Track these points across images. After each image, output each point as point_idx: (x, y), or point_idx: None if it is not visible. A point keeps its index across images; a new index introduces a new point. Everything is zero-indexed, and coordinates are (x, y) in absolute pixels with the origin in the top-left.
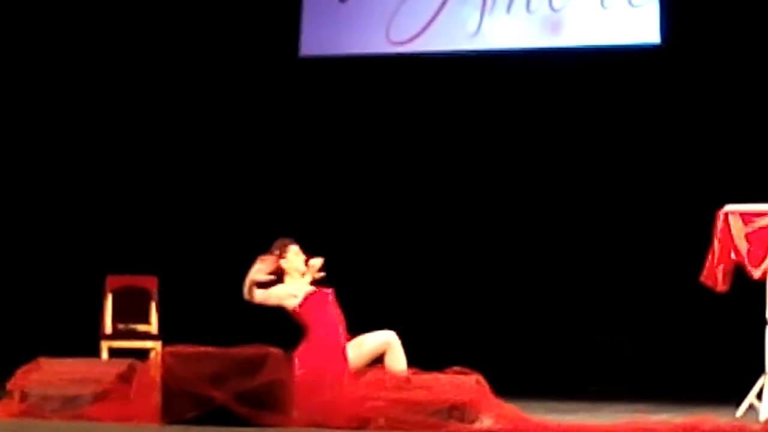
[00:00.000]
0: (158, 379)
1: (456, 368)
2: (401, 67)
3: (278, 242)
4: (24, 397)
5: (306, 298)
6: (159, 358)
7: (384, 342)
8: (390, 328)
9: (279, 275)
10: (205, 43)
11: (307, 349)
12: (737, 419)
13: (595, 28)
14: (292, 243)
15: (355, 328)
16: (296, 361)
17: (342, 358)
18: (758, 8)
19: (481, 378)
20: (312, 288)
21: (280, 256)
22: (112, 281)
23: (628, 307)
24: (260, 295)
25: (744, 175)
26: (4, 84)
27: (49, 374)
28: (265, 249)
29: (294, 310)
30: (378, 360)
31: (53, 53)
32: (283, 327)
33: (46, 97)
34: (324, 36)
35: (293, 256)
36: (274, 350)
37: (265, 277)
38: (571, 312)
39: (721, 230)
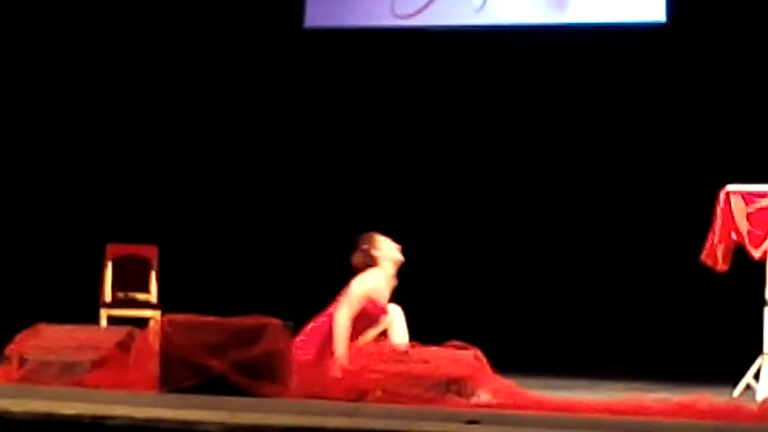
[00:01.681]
0: (157, 347)
1: (455, 342)
2: (405, 40)
3: (363, 237)
4: (22, 362)
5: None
6: (158, 326)
7: (388, 316)
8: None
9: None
10: (209, 15)
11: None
12: (734, 399)
13: (602, 5)
14: (377, 234)
15: None
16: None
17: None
18: None
19: (479, 353)
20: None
21: (372, 248)
22: (112, 249)
23: (627, 285)
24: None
25: (747, 155)
26: None
27: (48, 340)
28: (263, 221)
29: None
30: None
31: (50, 29)
32: (282, 297)
33: (41, 70)
34: (329, 8)
35: (386, 245)
36: (273, 321)
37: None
38: (570, 290)
39: (722, 210)
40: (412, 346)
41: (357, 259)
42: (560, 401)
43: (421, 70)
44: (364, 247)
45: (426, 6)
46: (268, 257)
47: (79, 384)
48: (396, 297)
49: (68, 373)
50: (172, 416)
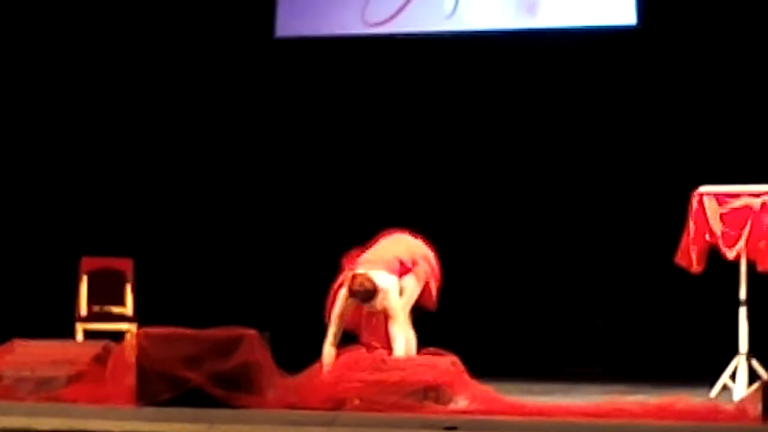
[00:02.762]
0: (133, 360)
1: (431, 349)
2: (377, 48)
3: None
4: None
5: None
6: (134, 340)
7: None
8: None
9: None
10: (179, 24)
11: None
12: (711, 399)
13: (572, 9)
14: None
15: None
16: None
17: None
18: None
19: (456, 359)
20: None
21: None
22: (87, 263)
23: (603, 288)
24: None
25: (719, 156)
26: None
27: (24, 356)
28: (238, 232)
29: None
30: None
31: (27, 38)
32: (258, 308)
33: (18, 80)
34: (299, 17)
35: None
36: (249, 332)
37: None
38: (546, 293)
39: (696, 211)
40: (389, 354)
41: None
42: (538, 406)
43: (394, 77)
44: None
45: (397, 13)
46: (243, 268)
47: (56, 399)
48: None
49: (44, 389)
50: (149, 429)
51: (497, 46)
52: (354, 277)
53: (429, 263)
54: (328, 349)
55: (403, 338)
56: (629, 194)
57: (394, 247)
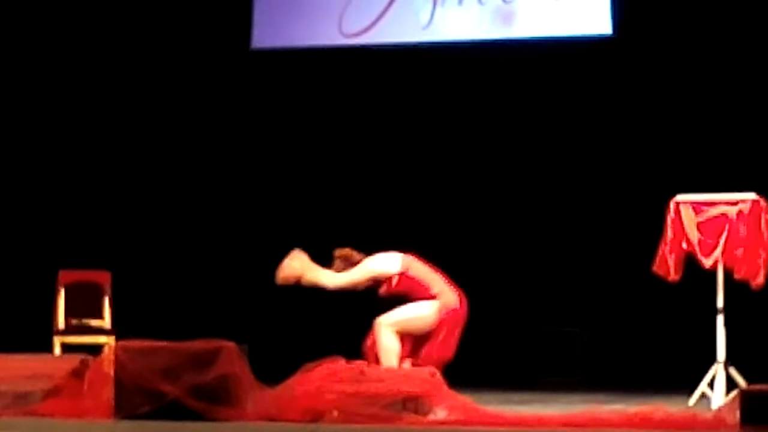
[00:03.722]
0: (111, 374)
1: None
2: (354, 59)
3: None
4: None
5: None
6: (112, 353)
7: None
8: (341, 321)
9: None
10: (156, 35)
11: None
12: (690, 408)
13: (547, 18)
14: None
15: (327, 319)
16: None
17: None
18: None
19: (435, 370)
20: None
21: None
22: (65, 276)
23: (581, 297)
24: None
25: (695, 165)
26: None
27: (1, 370)
28: (215, 245)
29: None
30: None
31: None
32: (236, 321)
33: None
34: (276, 28)
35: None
36: (227, 344)
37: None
38: (525, 303)
39: (673, 220)
40: (368, 365)
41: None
42: (517, 416)
43: (371, 87)
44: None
45: (373, 24)
46: (221, 281)
47: (33, 413)
48: (346, 315)
49: (21, 403)
50: None
51: (473, 57)
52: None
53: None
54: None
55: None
56: (606, 203)
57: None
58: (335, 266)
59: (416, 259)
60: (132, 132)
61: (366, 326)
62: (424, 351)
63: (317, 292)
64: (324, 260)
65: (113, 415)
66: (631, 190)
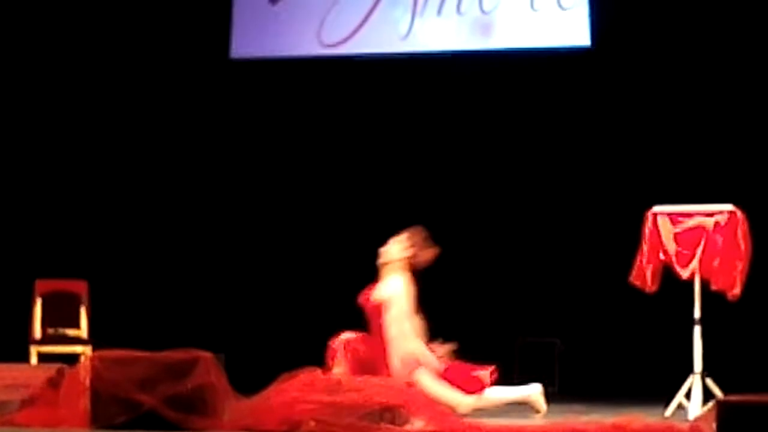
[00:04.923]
0: (87, 383)
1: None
2: (333, 69)
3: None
4: None
5: None
6: (88, 362)
7: None
8: (318, 331)
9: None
10: (134, 44)
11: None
12: (666, 418)
13: (525, 30)
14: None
15: (304, 330)
16: None
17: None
18: (684, 10)
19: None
20: None
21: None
22: (41, 285)
23: (559, 308)
24: None
25: (672, 176)
26: None
27: None
28: (193, 254)
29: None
30: None
31: None
32: (213, 330)
33: None
34: (255, 38)
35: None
36: (204, 354)
37: None
38: (502, 313)
39: (650, 231)
40: (345, 375)
41: None
42: (494, 426)
43: (349, 97)
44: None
45: (352, 34)
46: (198, 291)
47: (9, 423)
48: (328, 327)
49: None
50: None
51: (452, 68)
52: None
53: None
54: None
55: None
56: (584, 213)
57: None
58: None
59: None
60: (110, 141)
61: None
62: None
63: (291, 301)
64: (296, 269)
65: (89, 425)
66: (608, 201)
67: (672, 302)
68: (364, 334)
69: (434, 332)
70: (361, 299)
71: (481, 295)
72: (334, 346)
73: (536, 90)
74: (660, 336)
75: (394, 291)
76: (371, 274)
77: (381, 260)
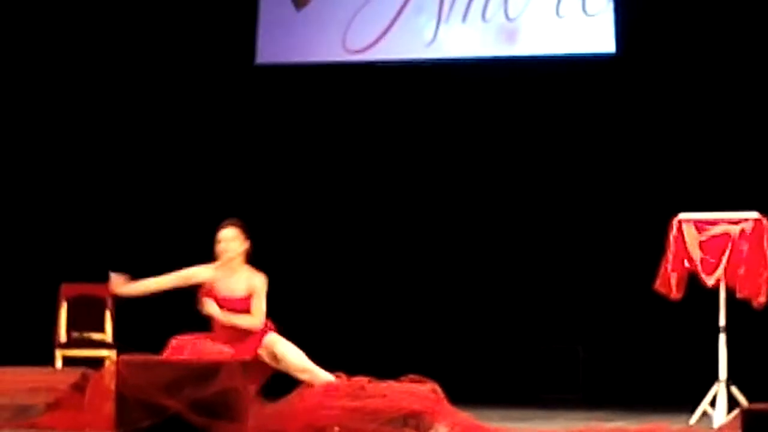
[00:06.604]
0: (112, 388)
1: (412, 376)
2: (357, 75)
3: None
4: None
5: None
6: (113, 366)
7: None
8: (346, 336)
9: None
10: (161, 50)
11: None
12: (691, 426)
13: (551, 37)
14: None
15: (314, 334)
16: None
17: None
18: (711, 17)
19: (436, 386)
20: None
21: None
22: (67, 289)
23: (583, 315)
24: None
25: (698, 183)
26: None
27: (2, 383)
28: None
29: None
30: None
31: None
32: None
33: None
34: (280, 44)
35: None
36: (229, 359)
37: None
38: (526, 320)
39: (675, 238)
40: (368, 381)
41: None
42: None
43: (374, 104)
44: None
45: (377, 41)
46: None
47: (34, 427)
48: (350, 331)
49: (22, 416)
50: None
51: (477, 74)
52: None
53: None
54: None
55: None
56: (609, 221)
57: None
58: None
59: None
60: (137, 146)
61: (368, 342)
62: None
63: (322, 309)
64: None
65: (114, 429)
66: (633, 208)
67: (697, 310)
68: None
69: (460, 341)
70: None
71: (505, 302)
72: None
73: (562, 97)
74: (685, 344)
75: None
76: (395, 283)
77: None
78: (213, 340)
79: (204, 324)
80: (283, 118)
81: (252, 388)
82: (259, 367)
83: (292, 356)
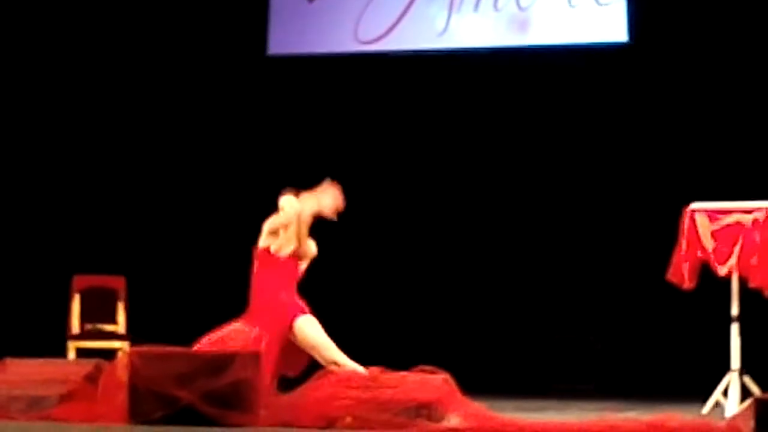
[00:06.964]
0: (125, 379)
1: (424, 367)
2: (369, 66)
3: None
4: None
5: None
6: (126, 358)
7: None
8: (358, 327)
9: None
10: (172, 41)
11: None
12: (703, 416)
13: (563, 26)
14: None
15: (327, 325)
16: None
17: None
18: (723, 5)
19: (448, 377)
20: None
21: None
22: (80, 281)
23: (595, 305)
24: None
25: (711, 173)
26: None
27: (16, 375)
28: (231, 250)
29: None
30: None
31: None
32: None
33: (6, 97)
34: (292, 35)
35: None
36: (241, 350)
37: None
38: (539, 310)
39: (688, 228)
40: (381, 372)
41: None
42: (531, 423)
43: (386, 94)
44: None
45: (389, 31)
46: (236, 287)
47: (47, 418)
48: (363, 321)
49: (36, 408)
50: None
51: (489, 64)
52: None
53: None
54: None
55: None
56: (621, 210)
57: None
58: None
59: None
60: (147, 137)
61: (380, 333)
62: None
63: (334, 300)
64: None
65: (127, 421)
66: (646, 198)
67: (709, 299)
68: None
69: (473, 331)
70: None
71: (518, 292)
72: None
73: (574, 86)
74: (697, 333)
75: None
76: (408, 273)
77: None
78: (245, 321)
79: (214, 318)
80: (295, 109)
81: (267, 379)
82: (298, 354)
83: (319, 347)
